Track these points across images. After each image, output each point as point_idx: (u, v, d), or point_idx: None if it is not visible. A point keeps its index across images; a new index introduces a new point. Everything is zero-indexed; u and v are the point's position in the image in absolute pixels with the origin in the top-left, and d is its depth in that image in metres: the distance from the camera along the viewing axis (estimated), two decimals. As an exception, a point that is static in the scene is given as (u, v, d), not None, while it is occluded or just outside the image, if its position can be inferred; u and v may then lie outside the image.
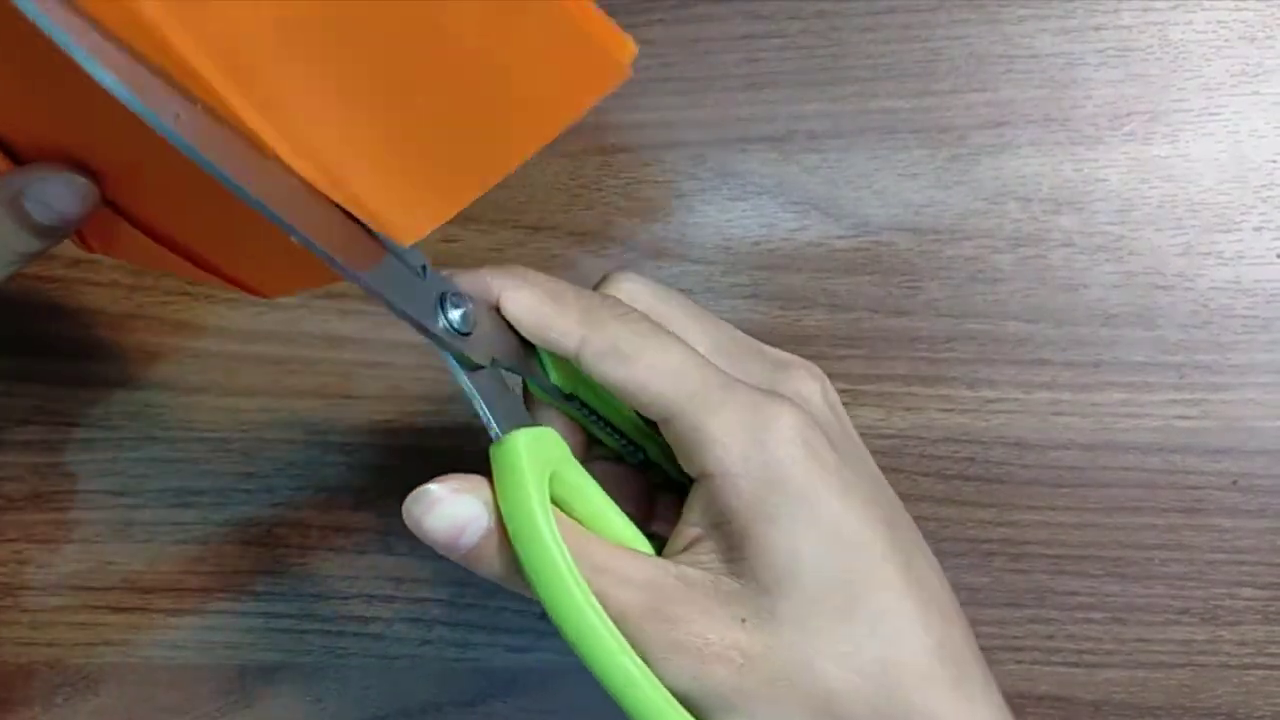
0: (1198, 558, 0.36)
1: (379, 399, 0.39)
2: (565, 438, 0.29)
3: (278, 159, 0.26)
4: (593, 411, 0.30)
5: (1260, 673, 0.36)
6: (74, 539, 0.40)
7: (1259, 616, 0.36)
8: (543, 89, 0.27)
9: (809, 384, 0.29)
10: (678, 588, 0.26)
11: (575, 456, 0.29)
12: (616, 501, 0.29)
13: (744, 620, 0.26)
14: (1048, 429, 0.37)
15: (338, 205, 0.26)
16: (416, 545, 0.39)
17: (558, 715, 0.38)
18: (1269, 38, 0.37)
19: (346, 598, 0.39)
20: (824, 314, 0.38)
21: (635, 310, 0.28)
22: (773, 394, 0.28)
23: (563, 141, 0.39)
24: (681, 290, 0.38)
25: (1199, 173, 0.37)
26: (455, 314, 0.27)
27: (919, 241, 0.38)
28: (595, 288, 0.30)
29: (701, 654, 0.26)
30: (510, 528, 0.26)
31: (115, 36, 0.24)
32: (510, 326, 0.28)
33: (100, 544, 0.40)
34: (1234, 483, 0.36)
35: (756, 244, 0.38)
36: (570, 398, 0.30)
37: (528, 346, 0.29)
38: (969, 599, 0.37)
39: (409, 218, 0.27)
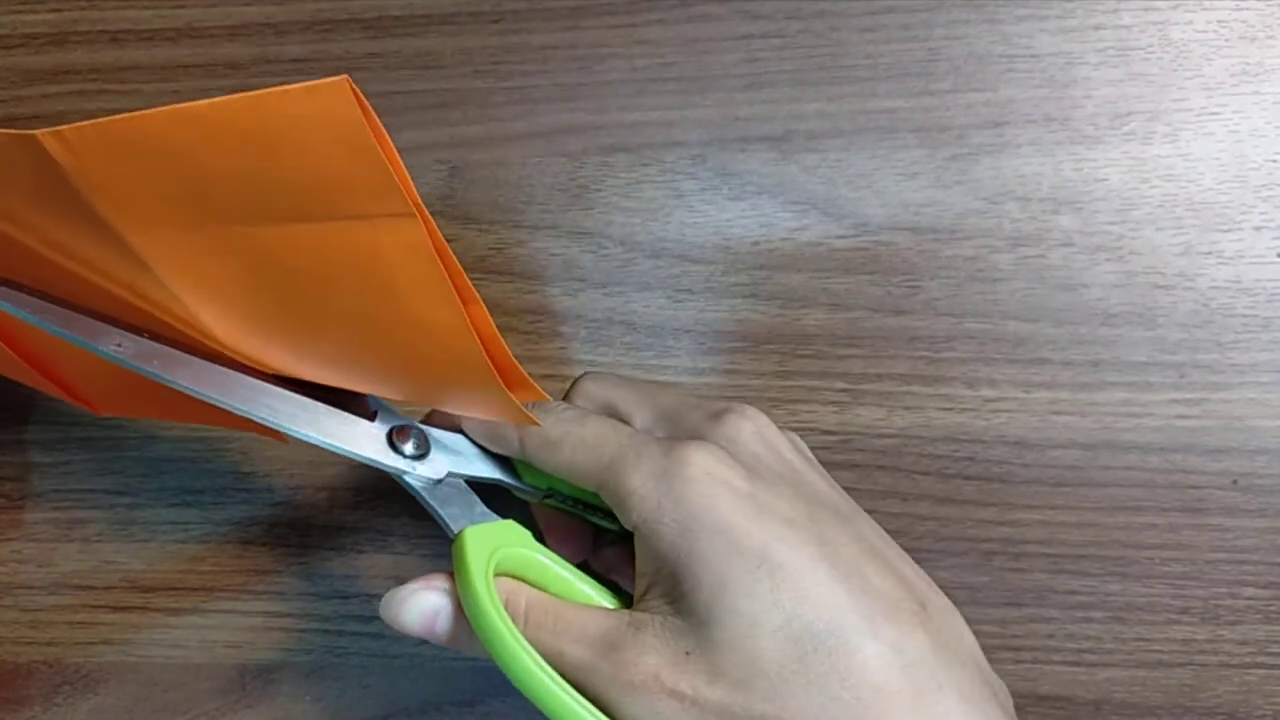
0: (1198, 557, 0.36)
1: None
2: (562, 535, 0.34)
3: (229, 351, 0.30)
4: (574, 501, 0.33)
5: (1261, 672, 0.36)
6: (74, 538, 0.40)
7: (1260, 616, 0.36)
8: (455, 392, 0.32)
9: (739, 424, 0.31)
10: (628, 633, 0.28)
11: (578, 549, 0.34)
12: (630, 576, 0.31)
13: (688, 653, 0.27)
14: (1047, 428, 0.37)
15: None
16: (416, 545, 0.39)
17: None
18: (1269, 37, 0.37)
19: (346, 598, 0.39)
20: (824, 313, 0.38)
21: (564, 405, 0.32)
22: (688, 441, 0.30)
23: (563, 141, 0.39)
24: (684, 290, 0.38)
25: (1199, 172, 0.37)
26: (407, 445, 0.32)
27: (919, 241, 0.38)
28: (567, 393, 0.34)
29: (652, 690, 0.27)
30: (465, 610, 0.29)
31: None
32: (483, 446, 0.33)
33: (100, 543, 0.40)
34: (1234, 482, 0.36)
35: (756, 244, 0.38)
36: (550, 493, 0.33)
37: (504, 458, 0.33)
38: (969, 599, 0.37)
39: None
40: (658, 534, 0.28)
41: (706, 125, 0.39)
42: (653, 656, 0.28)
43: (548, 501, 0.33)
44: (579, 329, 0.39)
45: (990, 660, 0.30)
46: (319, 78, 0.24)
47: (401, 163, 0.26)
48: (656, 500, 0.29)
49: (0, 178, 0.27)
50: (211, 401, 0.30)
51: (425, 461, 0.32)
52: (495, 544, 0.30)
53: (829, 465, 0.37)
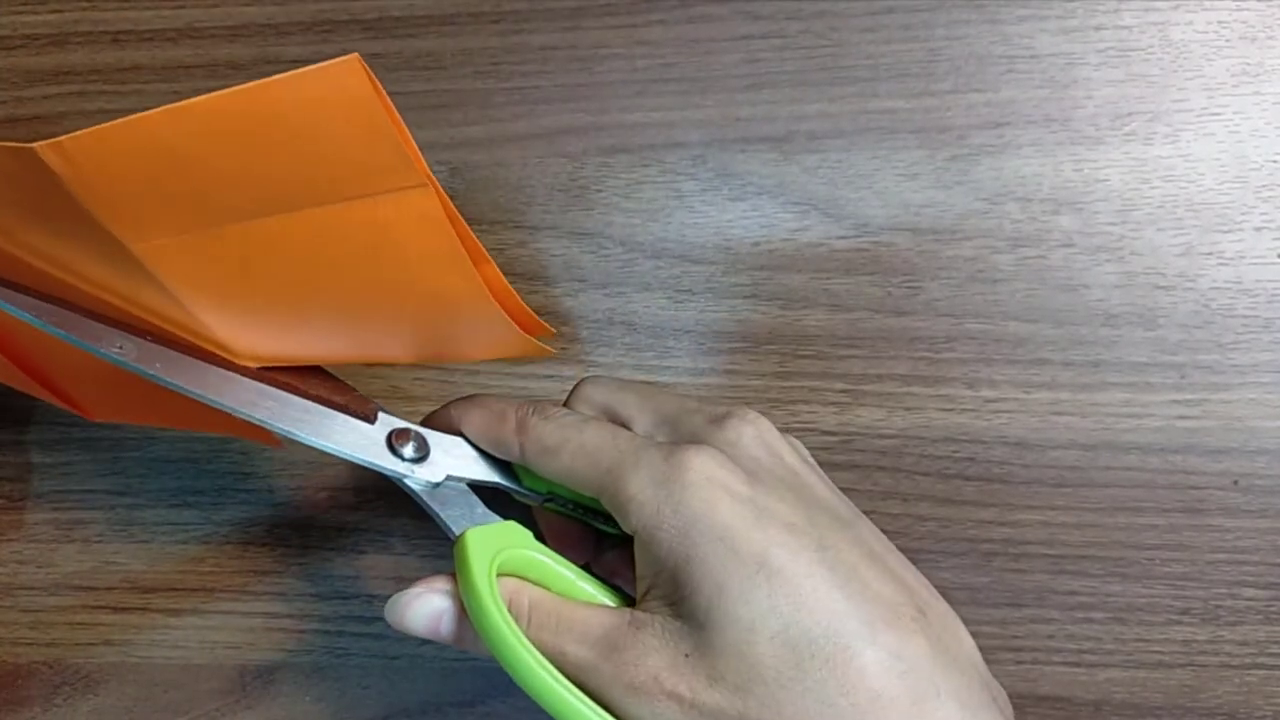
0: (1198, 558, 0.36)
1: (380, 398, 0.39)
2: (565, 539, 0.34)
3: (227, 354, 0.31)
4: (574, 505, 0.33)
5: (1261, 673, 0.36)
6: (74, 539, 0.40)
7: (1260, 617, 0.36)
8: (475, 345, 0.33)
9: (741, 428, 0.31)
10: (629, 632, 0.28)
11: (581, 553, 0.34)
12: (626, 583, 0.32)
13: (687, 655, 0.28)
14: (1048, 429, 0.37)
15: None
16: (416, 545, 0.39)
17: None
18: (1269, 38, 0.37)
19: (346, 598, 0.39)
20: (824, 314, 0.38)
21: (564, 410, 0.32)
22: (688, 445, 0.30)
23: (563, 141, 0.39)
24: (685, 290, 0.38)
25: (1200, 173, 0.37)
26: (407, 448, 0.32)
27: (919, 241, 0.38)
28: (567, 398, 0.34)
29: (652, 692, 0.27)
30: (468, 612, 0.30)
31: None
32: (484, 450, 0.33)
33: (100, 544, 0.40)
34: (1235, 483, 0.36)
35: (756, 244, 0.38)
36: (550, 497, 0.33)
37: (504, 462, 0.33)
38: (969, 599, 0.37)
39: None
40: (656, 539, 0.28)
41: (707, 126, 0.39)
42: (653, 658, 0.28)
43: (548, 505, 0.33)
44: (579, 329, 0.39)
45: (990, 661, 0.30)
46: (321, 77, 0.24)
47: (410, 135, 0.26)
48: (656, 505, 0.29)
49: None
50: (212, 404, 0.30)
51: (425, 464, 0.32)
52: (497, 545, 0.30)
53: (829, 466, 0.37)
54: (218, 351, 0.31)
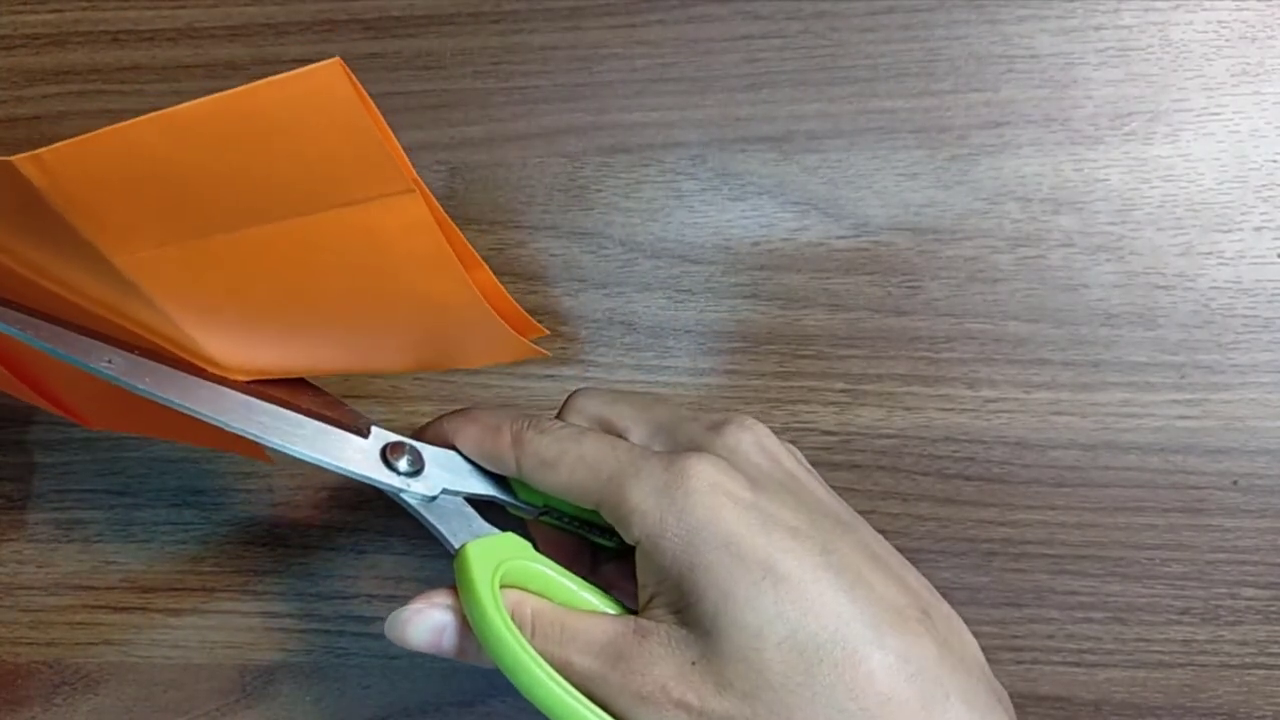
0: (1198, 558, 0.36)
1: (379, 399, 0.39)
2: (561, 552, 0.33)
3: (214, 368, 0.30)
4: (571, 518, 0.33)
5: (1261, 672, 0.36)
6: (74, 539, 0.40)
7: (1260, 616, 0.36)
8: (469, 352, 0.32)
9: (739, 435, 0.31)
10: (635, 641, 0.28)
11: (577, 566, 0.32)
12: (632, 591, 0.31)
13: (694, 663, 0.27)
14: (1048, 429, 0.37)
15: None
16: (416, 545, 0.39)
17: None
18: (1269, 38, 0.37)
19: (346, 598, 0.39)
20: (824, 314, 0.38)
21: (559, 422, 0.32)
22: (689, 453, 0.30)
23: (563, 141, 0.39)
24: (685, 290, 0.38)
25: (1200, 172, 0.37)
26: (401, 461, 0.31)
27: (919, 241, 0.38)
28: (559, 410, 0.33)
29: (660, 702, 0.27)
30: (472, 625, 0.29)
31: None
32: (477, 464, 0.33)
33: (100, 544, 0.40)
34: (1235, 483, 0.36)
35: (756, 244, 0.38)
36: (546, 510, 0.33)
37: (498, 475, 0.33)
38: (969, 599, 0.37)
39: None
40: (660, 549, 0.28)
41: (707, 126, 0.39)
42: (660, 666, 0.28)
43: (543, 519, 0.33)
44: (579, 329, 0.39)
45: (990, 661, 0.30)
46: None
47: (395, 140, 0.25)
48: (659, 515, 0.28)
49: None
50: (203, 419, 0.29)
51: (420, 478, 0.32)
52: (498, 557, 0.30)
53: (829, 466, 0.37)
54: (206, 366, 0.30)
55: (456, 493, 0.32)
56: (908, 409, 0.37)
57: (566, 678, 0.28)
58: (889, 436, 0.37)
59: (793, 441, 0.37)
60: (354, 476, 0.31)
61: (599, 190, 0.39)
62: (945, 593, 0.31)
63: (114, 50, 0.40)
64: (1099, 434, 0.37)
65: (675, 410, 0.33)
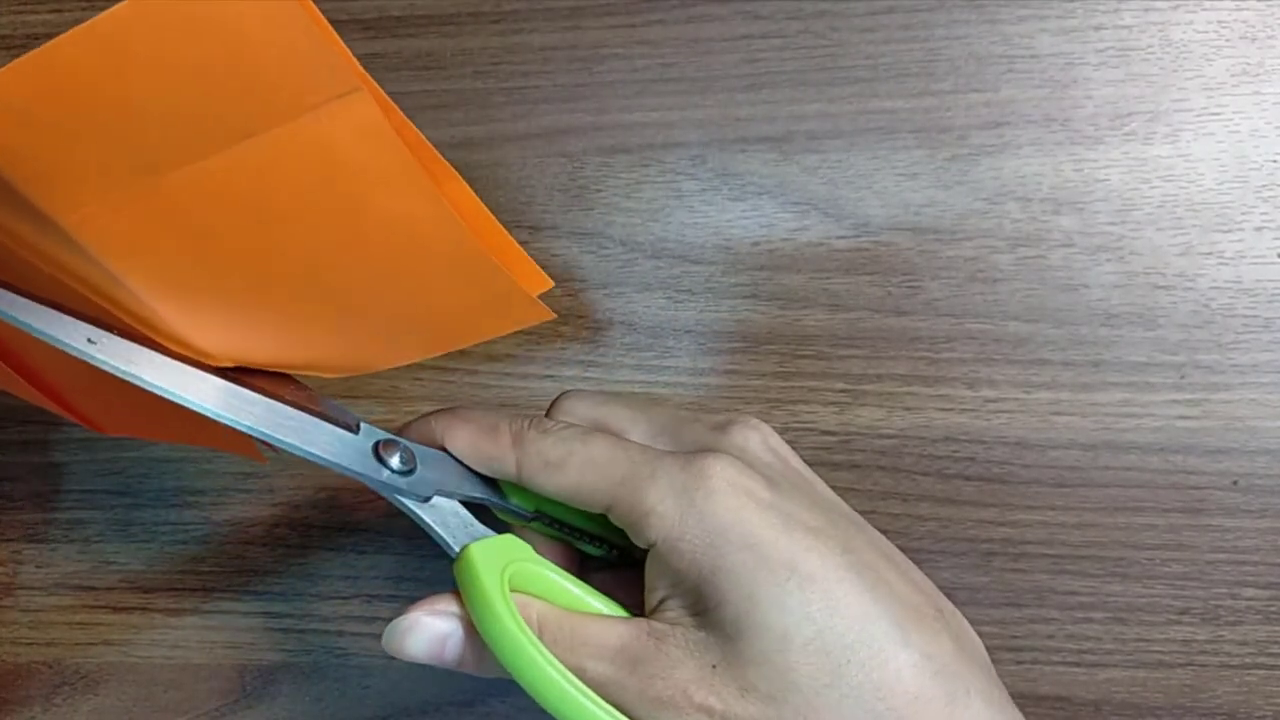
0: (1198, 558, 0.36)
1: (379, 399, 0.39)
2: (555, 559, 0.32)
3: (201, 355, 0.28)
4: (564, 525, 0.32)
5: (1261, 673, 0.36)
6: (74, 539, 0.40)
7: (1260, 616, 0.36)
8: (457, 314, 0.30)
9: (746, 434, 0.31)
10: (650, 644, 0.28)
11: (570, 571, 0.31)
12: (624, 603, 0.30)
13: (715, 667, 0.27)
14: (1048, 429, 0.37)
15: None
16: (416, 545, 0.39)
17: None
18: (1269, 37, 0.37)
19: (346, 598, 0.39)
20: (824, 314, 0.38)
21: (561, 422, 0.31)
22: (702, 452, 0.29)
23: (563, 141, 0.39)
24: (685, 290, 0.38)
25: (1200, 172, 0.37)
26: (394, 459, 0.30)
27: (919, 241, 0.38)
28: (547, 411, 0.32)
29: (680, 706, 0.27)
30: (480, 630, 0.28)
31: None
32: (468, 466, 0.31)
33: (100, 544, 0.40)
34: (1235, 483, 0.36)
35: (756, 244, 0.38)
36: (537, 515, 0.32)
37: (488, 478, 0.31)
38: (969, 599, 0.37)
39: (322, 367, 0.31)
40: (679, 550, 0.28)
41: (707, 126, 0.39)
42: (679, 670, 0.27)
43: (533, 525, 0.32)
44: (579, 329, 0.39)
45: (991, 660, 0.30)
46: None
47: (340, 40, 0.24)
48: (678, 516, 0.28)
49: None
50: (193, 408, 0.27)
51: (413, 477, 0.30)
52: (503, 559, 0.29)
53: (829, 466, 0.37)
54: (184, 350, 0.28)
55: (448, 494, 0.31)
56: (908, 409, 0.37)
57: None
58: (889, 436, 0.37)
59: (792, 442, 0.37)
60: (347, 473, 0.29)
61: (599, 190, 0.39)
62: (946, 593, 0.31)
63: (114, 50, 0.40)
64: (1099, 434, 0.37)
65: (674, 411, 0.32)
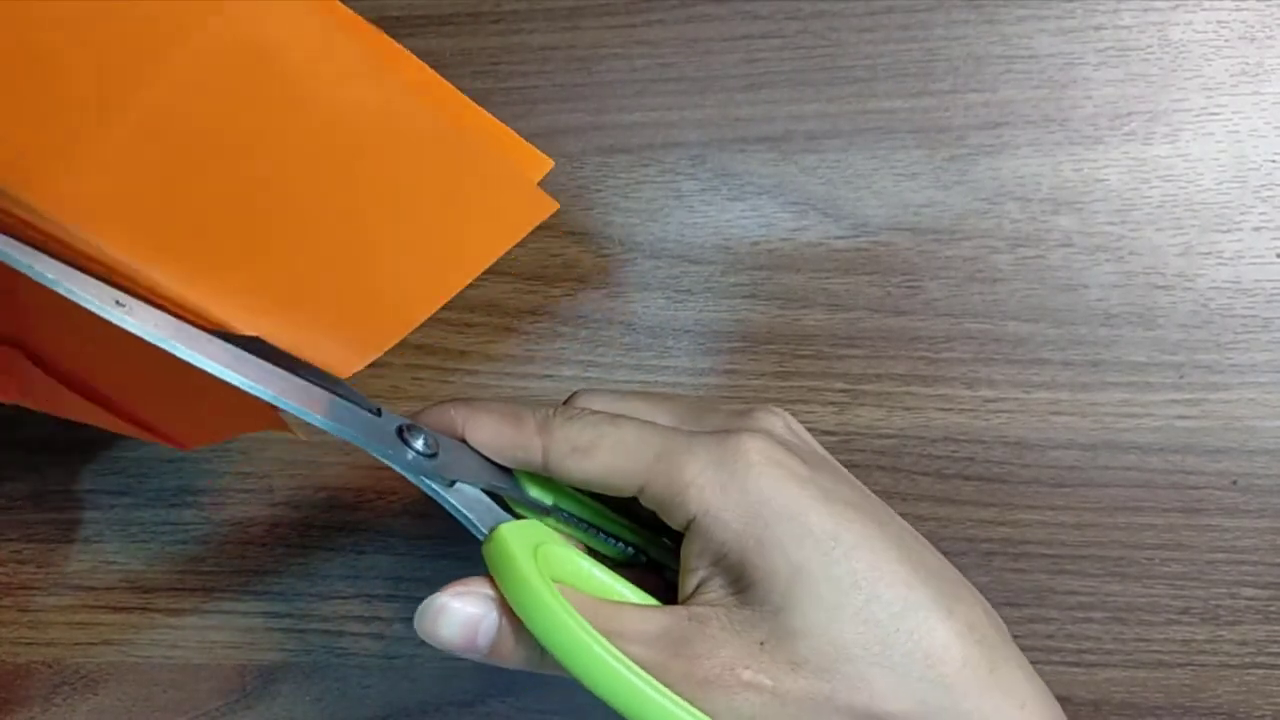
0: (1198, 557, 0.36)
1: (379, 399, 0.39)
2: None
3: (221, 326, 0.27)
4: (580, 520, 0.32)
5: (1261, 672, 0.36)
6: (74, 539, 0.40)
7: (1259, 616, 0.36)
8: (468, 229, 0.28)
9: (770, 419, 0.30)
10: (691, 627, 0.27)
11: None
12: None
13: (762, 643, 0.27)
14: (1047, 429, 0.37)
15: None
16: (416, 545, 0.39)
17: (557, 715, 0.38)
18: (1269, 38, 0.37)
19: (346, 598, 0.39)
20: (823, 314, 0.38)
21: (587, 409, 0.30)
22: (736, 431, 0.29)
23: (563, 141, 0.39)
24: (684, 290, 0.38)
25: (1199, 173, 0.37)
26: (418, 442, 0.29)
27: (918, 241, 0.38)
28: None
29: (729, 685, 0.26)
30: (519, 611, 0.27)
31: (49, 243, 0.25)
32: (482, 454, 0.30)
33: (100, 544, 0.40)
34: (1234, 483, 0.36)
35: (756, 244, 0.38)
36: (554, 509, 0.31)
37: (504, 470, 0.31)
38: (968, 599, 0.37)
39: (343, 355, 0.29)
40: (722, 522, 0.27)
41: (706, 125, 0.39)
42: (726, 650, 0.27)
43: (548, 519, 0.32)
44: (579, 329, 0.39)
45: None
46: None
47: None
48: (719, 487, 0.27)
49: None
50: (216, 374, 0.26)
51: (436, 461, 0.29)
52: (534, 540, 0.28)
53: (828, 465, 0.37)
54: (196, 318, 0.27)
55: (463, 481, 0.30)
56: (907, 409, 0.37)
57: None
58: (888, 436, 0.37)
59: (792, 441, 0.37)
60: (373, 452, 0.28)
61: (598, 190, 0.39)
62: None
63: (114, 51, 0.40)
64: (1098, 434, 0.37)
65: (691, 401, 0.32)
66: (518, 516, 0.32)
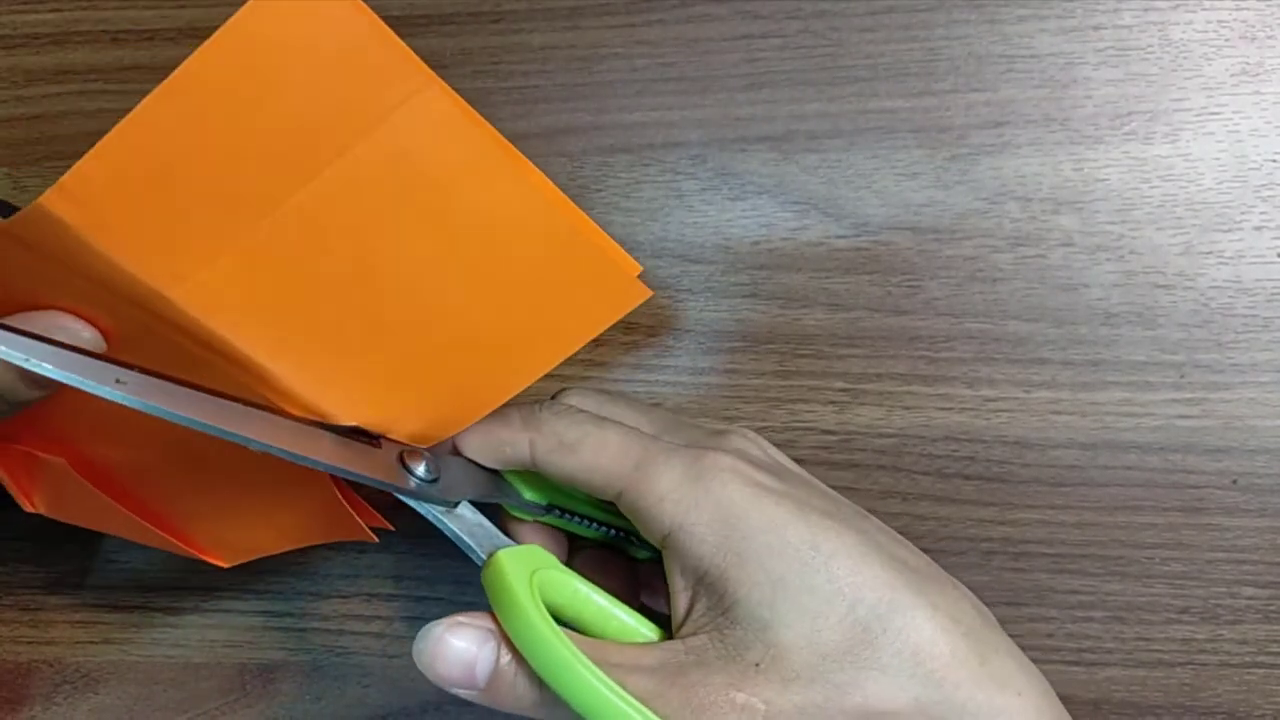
0: (1198, 557, 0.36)
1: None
2: (546, 545, 0.32)
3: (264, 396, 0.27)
4: (574, 514, 0.33)
5: (1261, 671, 0.36)
6: (74, 538, 0.40)
7: (1259, 615, 0.36)
8: (569, 314, 0.29)
9: (743, 441, 0.31)
10: (689, 659, 0.27)
11: (559, 559, 0.31)
12: (604, 581, 0.31)
13: (757, 664, 0.27)
14: (1047, 428, 0.37)
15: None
16: (417, 544, 0.39)
17: None
18: (1269, 37, 0.37)
19: (346, 597, 0.39)
20: (824, 313, 0.38)
21: (573, 407, 0.31)
22: (712, 448, 0.29)
23: (563, 141, 0.39)
24: (684, 290, 0.38)
25: (1199, 172, 0.37)
26: (419, 468, 0.29)
27: (919, 241, 0.38)
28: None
29: (724, 709, 0.27)
30: (515, 639, 0.27)
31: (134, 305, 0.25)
32: (474, 463, 0.31)
33: (101, 542, 0.40)
34: (1234, 482, 0.36)
35: (756, 244, 0.38)
36: (549, 508, 0.32)
37: (498, 477, 0.31)
38: (969, 598, 0.37)
39: (429, 432, 0.30)
40: (697, 537, 0.28)
41: (706, 125, 0.39)
42: (719, 676, 0.27)
43: (545, 519, 0.33)
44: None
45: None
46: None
47: (400, 41, 0.24)
48: (693, 501, 0.28)
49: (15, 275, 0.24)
50: (220, 435, 0.26)
51: (439, 484, 0.30)
52: (531, 566, 0.29)
53: (829, 465, 0.37)
54: (308, 414, 0.27)
55: (467, 498, 0.31)
56: (907, 408, 0.37)
57: None
58: (889, 436, 0.37)
59: (792, 441, 0.37)
60: (378, 486, 0.29)
61: (599, 190, 0.39)
62: (945, 592, 0.31)
63: (114, 50, 0.40)
64: (1098, 433, 0.37)
65: (673, 415, 0.33)
66: (513, 531, 0.33)
